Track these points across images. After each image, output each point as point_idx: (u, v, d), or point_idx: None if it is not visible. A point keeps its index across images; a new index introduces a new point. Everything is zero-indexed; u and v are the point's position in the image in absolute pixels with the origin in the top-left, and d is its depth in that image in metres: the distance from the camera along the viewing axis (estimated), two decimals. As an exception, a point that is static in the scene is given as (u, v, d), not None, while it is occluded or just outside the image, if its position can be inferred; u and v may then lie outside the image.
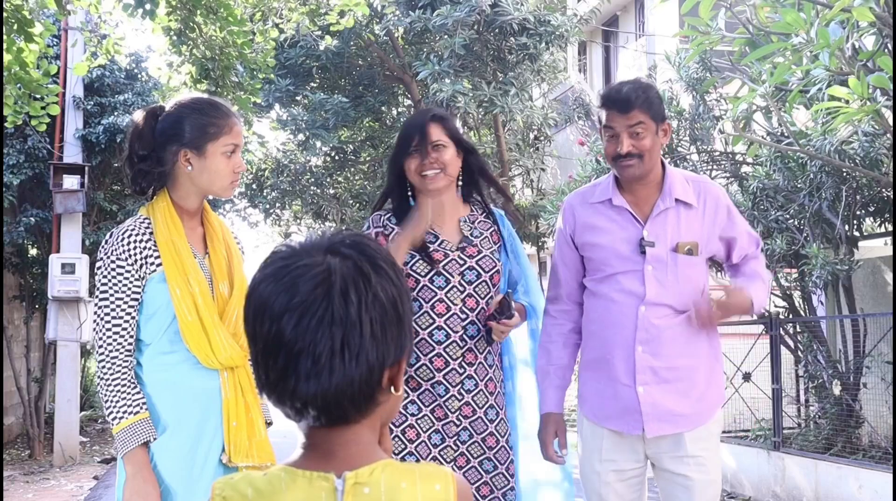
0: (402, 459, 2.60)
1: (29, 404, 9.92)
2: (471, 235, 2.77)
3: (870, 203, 6.82)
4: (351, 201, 14.52)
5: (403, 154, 2.74)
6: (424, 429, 2.67)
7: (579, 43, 16.31)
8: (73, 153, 9.61)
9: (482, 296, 2.71)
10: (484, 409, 2.70)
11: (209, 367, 2.26)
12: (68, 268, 9.10)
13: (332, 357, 1.06)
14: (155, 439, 2.22)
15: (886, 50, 4.54)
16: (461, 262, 2.72)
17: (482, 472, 2.68)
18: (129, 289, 2.26)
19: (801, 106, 6.19)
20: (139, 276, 2.27)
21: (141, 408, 2.21)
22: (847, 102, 3.92)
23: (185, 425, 2.25)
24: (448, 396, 2.67)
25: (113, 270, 2.26)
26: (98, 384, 2.26)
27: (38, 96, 6.47)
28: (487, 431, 2.69)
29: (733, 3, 4.97)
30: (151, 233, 2.30)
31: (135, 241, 2.28)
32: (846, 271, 6.45)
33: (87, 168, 9.39)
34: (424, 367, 2.68)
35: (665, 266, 2.59)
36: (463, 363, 2.68)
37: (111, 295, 2.26)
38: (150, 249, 2.28)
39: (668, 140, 2.72)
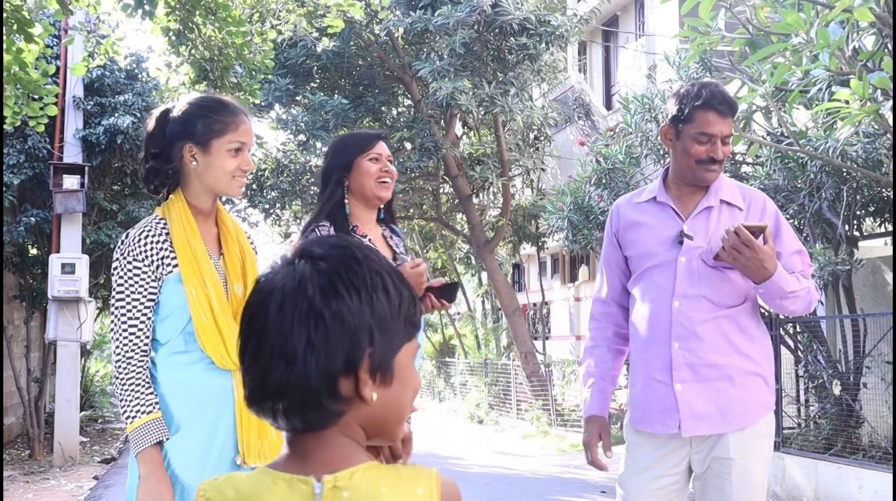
0: None
1: (29, 404, 9.92)
2: (399, 252, 2.85)
3: (870, 203, 6.82)
4: (351, 201, 14.52)
5: (357, 156, 2.81)
6: None
7: (579, 43, 16.31)
8: (73, 153, 9.62)
9: None
10: None
11: (223, 368, 2.27)
12: (68, 268, 9.10)
13: (269, 363, 1.10)
14: (167, 439, 2.22)
15: (886, 50, 4.54)
16: None
17: None
18: (146, 289, 2.27)
19: (801, 106, 6.19)
20: (155, 277, 2.28)
21: (154, 408, 2.22)
22: (847, 102, 3.92)
23: (199, 424, 2.25)
24: None
25: (129, 270, 2.27)
26: (114, 383, 2.27)
27: (36, 97, 6.47)
28: None
29: (733, 4, 4.97)
30: (167, 233, 2.31)
31: (151, 241, 2.28)
32: (846, 271, 6.46)
33: (87, 168, 9.39)
34: None
35: (700, 260, 2.55)
36: None
37: (127, 295, 2.26)
38: (166, 249, 2.29)
39: None
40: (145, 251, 2.27)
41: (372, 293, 1.13)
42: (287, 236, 16.19)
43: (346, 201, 2.82)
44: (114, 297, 2.29)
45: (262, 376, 1.10)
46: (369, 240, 2.80)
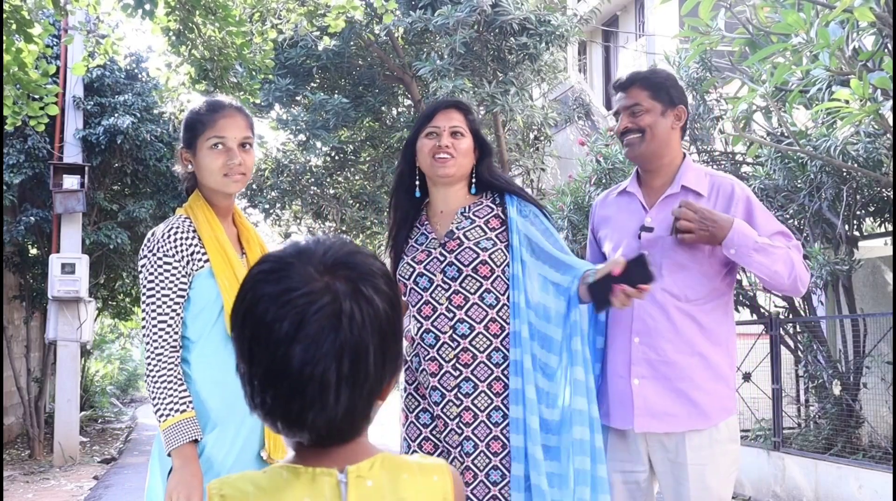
0: None
1: (29, 404, 9.93)
2: (457, 227, 2.58)
3: (870, 203, 6.82)
4: (351, 201, 14.51)
5: (418, 132, 2.62)
6: (430, 450, 2.56)
7: (579, 43, 16.31)
8: (73, 153, 9.62)
9: (472, 292, 2.52)
10: (486, 412, 2.48)
11: None
12: (68, 268, 9.11)
13: (338, 385, 1.05)
14: (201, 438, 2.22)
15: (886, 50, 4.53)
16: (441, 259, 2.56)
17: (489, 484, 2.46)
18: (176, 286, 2.28)
19: (801, 106, 6.19)
20: (186, 272, 2.29)
21: (188, 407, 2.21)
22: (847, 102, 3.92)
23: (232, 421, 2.27)
24: (444, 402, 2.50)
25: (160, 267, 2.28)
26: (145, 380, 2.27)
27: (36, 97, 6.47)
28: (491, 435, 2.48)
29: (733, 4, 4.97)
30: (195, 231, 2.33)
31: (181, 238, 2.30)
32: (846, 271, 6.46)
33: (87, 168, 9.40)
34: (424, 372, 2.56)
35: (660, 251, 2.52)
36: (457, 365, 2.50)
37: (158, 292, 2.27)
38: (195, 246, 2.31)
39: (682, 124, 2.61)
40: (176, 247, 2.29)
41: (397, 292, 1.14)
42: (287, 236, 16.17)
43: (416, 182, 2.63)
44: (143, 294, 2.29)
45: (327, 400, 1.05)
46: (426, 226, 2.62)
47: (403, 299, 2.58)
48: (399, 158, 2.71)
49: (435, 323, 2.53)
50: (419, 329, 2.56)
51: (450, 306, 2.52)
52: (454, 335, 2.51)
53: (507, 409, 2.48)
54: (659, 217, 2.57)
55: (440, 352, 2.52)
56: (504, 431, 2.48)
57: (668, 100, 2.59)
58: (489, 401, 2.49)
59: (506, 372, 2.51)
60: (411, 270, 2.58)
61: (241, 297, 1.10)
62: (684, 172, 2.60)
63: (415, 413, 2.60)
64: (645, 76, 2.63)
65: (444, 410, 2.50)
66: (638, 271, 2.33)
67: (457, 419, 2.49)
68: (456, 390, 2.50)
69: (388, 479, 1.14)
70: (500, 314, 2.53)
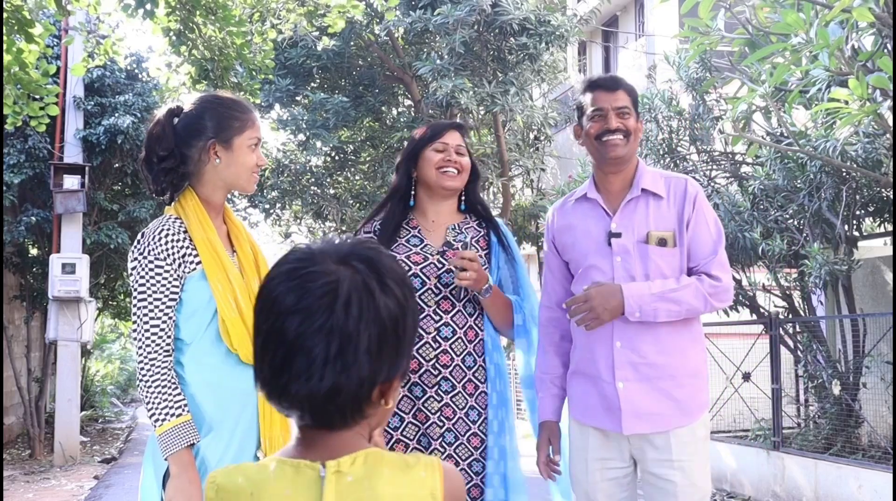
0: None
1: (29, 404, 9.94)
2: (454, 240, 2.81)
3: (869, 203, 6.83)
4: (351, 201, 14.51)
5: (425, 146, 2.81)
6: (411, 437, 2.70)
7: (579, 43, 16.32)
8: (73, 153, 9.63)
9: (459, 299, 2.76)
10: (464, 410, 2.71)
11: (249, 363, 2.24)
12: (69, 268, 9.11)
13: (325, 364, 1.10)
14: (198, 441, 2.20)
15: (886, 50, 4.54)
16: (439, 266, 2.76)
17: (472, 474, 2.69)
18: (168, 288, 2.24)
19: (800, 106, 6.20)
20: (178, 275, 2.25)
21: (183, 410, 2.18)
22: (846, 102, 3.93)
23: (226, 423, 2.25)
24: (426, 397, 2.70)
25: (151, 269, 2.24)
26: (138, 385, 2.24)
27: (37, 97, 6.47)
28: (471, 431, 2.71)
29: (733, 4, 4.98)
30: (186, 232, 2.28)
31: (172, 240, 2.26)
32: (846, 271, 6.47)
33: (87, 168, 9.40)
34: None
35: (632, 257, 2.57)
36: (437, 365, 2.70)
37: (150, 295, 2.23)
38: (187, 247, 2.27)
39: (639, 139, 2.72)
40: (167, 250, 2.25)
41: (412, 302, 1.18)
42: (287, 235, 16.18)
43: (412, 192, 2.84)
44: (135, 297, 2.25)
45: (312, 376, 1.10)
46: (419, 230, 2.81)
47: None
48: (398, 167, 2.90)
49: (421, 323, 2.71)
50: None
51: (437, 309, 2.74)
52: (437, 337, 2.72)
53: (482, 409, 2.73)
54: (623, 222, 2.62)
55: (420, 351, 2.70)
56: (481, 428, 2.72)
57: (638, 112, 2.71)
58: (465, 401, 2.73)
59: (476, 375, 2.76)
60: (406, 269, 2.73)
61: (265, 278, 1.18)
62: (641, 175, 2.66)
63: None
64: (627, 83, 2.72)
65: (426, 404, 2.70)
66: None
67: (438, 413, 2.70)
68: (437, 387, 2.71)
69: (368, 473, 1.15)
70: (476, 322, 2.79)
